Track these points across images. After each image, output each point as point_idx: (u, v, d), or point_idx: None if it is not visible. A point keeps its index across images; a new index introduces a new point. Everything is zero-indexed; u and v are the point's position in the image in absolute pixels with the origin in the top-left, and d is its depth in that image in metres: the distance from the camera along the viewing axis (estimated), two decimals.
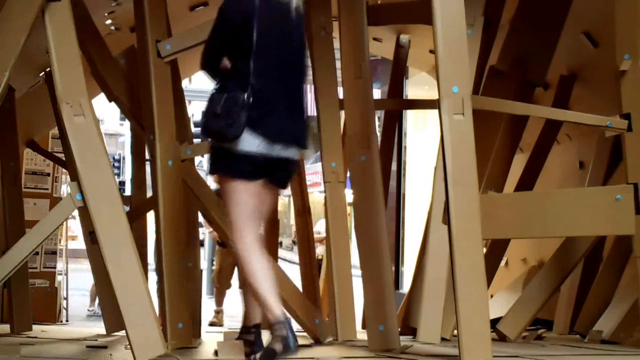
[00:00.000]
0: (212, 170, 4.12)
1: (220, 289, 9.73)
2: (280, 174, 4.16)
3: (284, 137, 4.03)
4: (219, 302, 9.71)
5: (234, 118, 3.88)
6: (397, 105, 8.44)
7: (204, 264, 9.46)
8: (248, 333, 4.31)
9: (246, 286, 4.26)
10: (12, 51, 4.16)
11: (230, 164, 3.99)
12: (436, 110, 4.17)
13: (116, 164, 35.51)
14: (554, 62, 6.08)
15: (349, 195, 5.38)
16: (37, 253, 8.35)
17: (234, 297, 9.96)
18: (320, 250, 10.07)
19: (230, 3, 4.13)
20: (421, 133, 11.76)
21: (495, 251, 6.51)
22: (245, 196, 3.99)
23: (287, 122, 4.05)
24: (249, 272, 3.95)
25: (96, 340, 5.62)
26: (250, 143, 3.93)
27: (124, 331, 4.21)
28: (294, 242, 23.38)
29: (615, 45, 4.85)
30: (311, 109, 4.47)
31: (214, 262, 10.01)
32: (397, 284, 10.42)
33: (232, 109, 3.90)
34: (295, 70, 4.16)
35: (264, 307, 3.92)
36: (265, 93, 3.99)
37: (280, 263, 7.20)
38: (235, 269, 9.66)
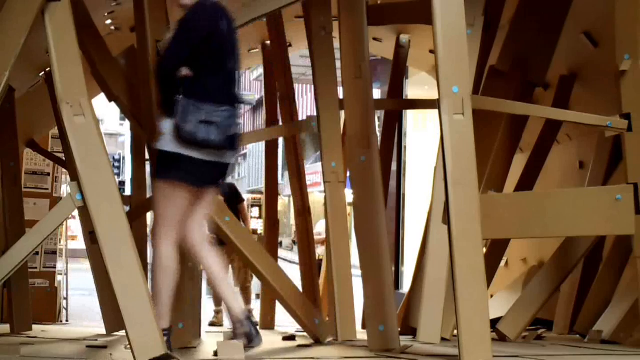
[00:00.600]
0: (165, 175, 4.20)
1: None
2: (222, 177, 4.40)
3: (235, 144, 4.26)
4: (218, 302, 9.69)
5: (226, 130, 4.12)
6: (397, 105, 8.45)
7: None
8: (241, 326, 4.33)
9: (215, 285, 4.42)
10: (12, 51, 4.16)
11: (190, 173, 4.16)
12: (436, 110, 4.17)
13: (116, 164, 35.56)
14: (554, 62, 6.08)
15: (349, 195, 5.38)
16: (37, 253, 8.34)
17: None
18: (320, 250, 10.07)
19: (199, 15, 4.23)
20: (421, 133, 11.76)
21: (495, 251, 6.51)
22: (185, 201, 4.21)
23: (237, 130, 4.27)
24: (160, 268, 4.17)
25: (96, 340, 5.62)
26: (214, 152, 4.15)
27: (124, 331, 4.20)
28: (294, 242, 23.37)
29: (615, 45, 4.85)
30: (311, 109, 4.59)
31: None
32: (397, 284, 10.42)
33: (228, 122, 4.12)
34: (237, 77, 4.41)
35: (157, 305, 4.13)
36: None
37: (280, 263, 7.19)
38: (230, 268, 9.68)
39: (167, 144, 4.14)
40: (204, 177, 4.23)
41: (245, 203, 10.98)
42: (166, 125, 4.16)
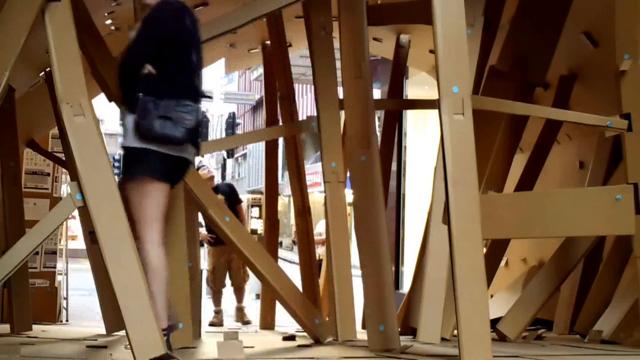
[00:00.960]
0: (134, 173, 4.20)
1: (215, 290, 9.74)
2: (184, 172, 4.44)
3: (196, 140, 4.28)
4: (217, 302, 9.71)
5: (185, 125, 4.11)
6: (397, 105, 8.45)
7: (204, 264, 9.44)
8: None
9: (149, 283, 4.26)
10: (12, 51, 4.16)
11: (162, 168, 4.18)
12: (436, 110, 4.17)
13: (116, 164, 35.46)
14: (554, 62, 6.08)
15: (349, 195, 5.38)
16: (37, 253, 8.33)
17: (232, 297, 9.95)
18: (321, 251, 10.08)
19: (164, 12, 4.24)
20: (421, 133, 11.76)
21: (495, 251, 6.51)
22: (164, 197, 4.22)
23: (199, 125, 4.28)
24: (150, 270, 4.13)
25: (96, 340, 5.62)
26: (175, 147, 4.17)
27: (124, 331, 4.20)
28: (294, 242, 23.38)
29: (615, 45, 4.85)
30: (311, 109, 4.57)
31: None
32: (397, 284, 10.42)
33: (188, 117, 4.12)
34: (200, 73, 4.40)
35: (153, 304, 4.08)
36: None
37: (280, 263, 7.20)
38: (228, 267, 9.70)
39: (130, 140, 4.16)
40: (169, 171, 4.23)
41: (244, 204, 10.99)
42: (129, 122, 4.17)
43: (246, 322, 9.51)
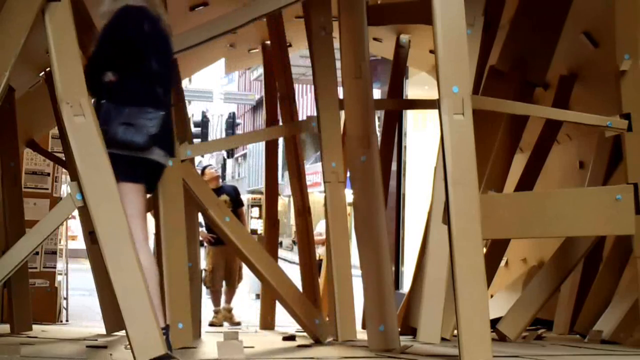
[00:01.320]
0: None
1: (213, 290, 9.74)
2: (156, 174, 4.45)
3: (163, 144, 4.30)
4: (216, 302, 9.71)
5: (149, 132, 4.14)
6: (397, 105, 8.45)
7: (204, 264, 9.45)
8: None
9: None
10: (12, 51, 4.16)
11: (131, 170, 4.21)
12: (436, 110, 4.17)
13: None
14: (554, 62, 6.08)
15: (349, 195, 5.38)
16: (37, 253, 8.33)
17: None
18: (321, 251, 10.08)
19: (120, 19, 4.25)
20: (421, 133, 11.76)
21: (495, 251, 6.51)
22: (140, 197, 4.26)
23: (164, 130, 4.28)
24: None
25: (96, 340, 5.62)
26: (152, 151, 4.22)
27: (124, 331, 4.20)
28: (294, 242, 23.39)
29: (615, 45, 4.85)
30: (311, 109, 4.57)
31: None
32: (397, 284, 10.42)
33: (150, 124, 4.15)
34: (166, 79, 4.42)
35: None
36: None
37: (280, 263, 7.20)
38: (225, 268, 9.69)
39: None
40: (138, 172, 4.25)
41: (244, 207, 11.01)
42: None
43: (235, 324, 9.48)
